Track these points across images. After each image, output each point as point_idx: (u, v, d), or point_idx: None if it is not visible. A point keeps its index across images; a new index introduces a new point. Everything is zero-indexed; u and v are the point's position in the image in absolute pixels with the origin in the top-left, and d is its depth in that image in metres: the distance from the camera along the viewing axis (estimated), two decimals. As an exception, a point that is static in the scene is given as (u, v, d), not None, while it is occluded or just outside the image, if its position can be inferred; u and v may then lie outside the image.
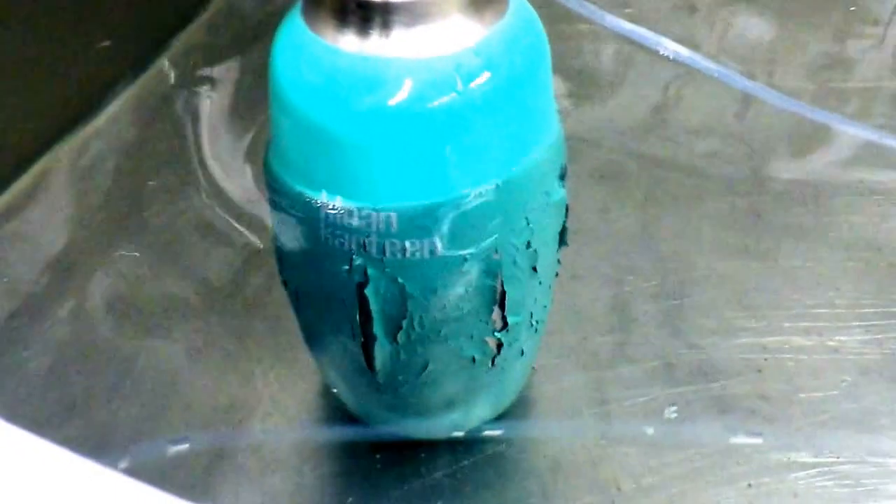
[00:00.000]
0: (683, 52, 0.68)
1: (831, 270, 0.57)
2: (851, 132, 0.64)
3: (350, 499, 0.49)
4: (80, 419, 0.51)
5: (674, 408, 0.51)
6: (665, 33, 0.69)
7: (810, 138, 0.64)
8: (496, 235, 0.43)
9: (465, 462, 0.50)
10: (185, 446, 0.50)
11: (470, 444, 0.50)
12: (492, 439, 0.50)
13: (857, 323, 0.54)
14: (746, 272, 0.57)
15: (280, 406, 0.52)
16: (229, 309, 0.56)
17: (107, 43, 0.66)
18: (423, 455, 0.50)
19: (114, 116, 0.66)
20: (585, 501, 0.48)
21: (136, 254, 0.59)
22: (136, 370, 0.53)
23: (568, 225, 0.46)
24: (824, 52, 0.69)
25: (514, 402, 0.51)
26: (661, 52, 0.68)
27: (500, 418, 0.50)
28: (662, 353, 0.53)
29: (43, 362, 0.54)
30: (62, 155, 0.64)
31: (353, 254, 0.42)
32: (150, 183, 0.62)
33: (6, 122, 0.60)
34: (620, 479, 0.49)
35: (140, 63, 0.68)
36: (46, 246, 0.59)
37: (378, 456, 0.50)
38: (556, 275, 0.47)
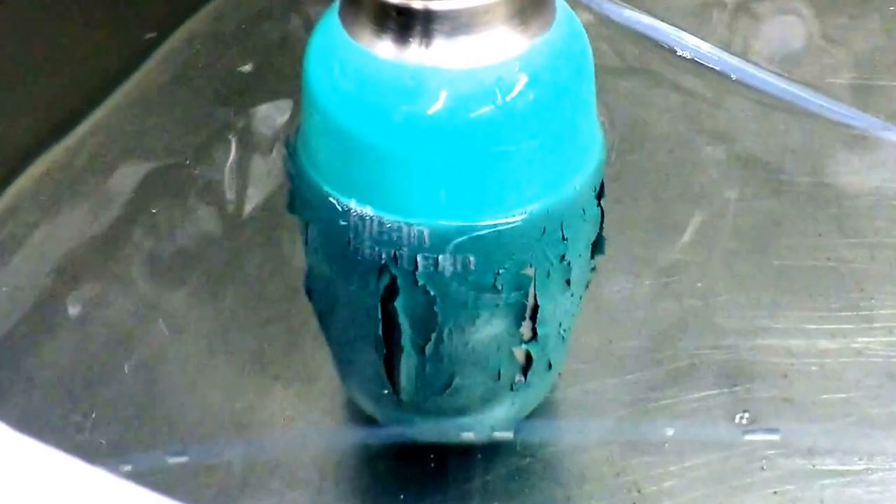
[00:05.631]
0: (704, 49, 0.63)
1: (855, 273, 0.54)
2: (878, 135, 0.60)
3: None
4: (92, 431, 0.49)
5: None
6: (686, 30, 0.65)
7: (835, 140, 0.61)
8: (531, 251, 0.39)
9: (488, 466, 0.47)
10: (202, 457, 0.47)
11: (493, 449, 0.47)
12: (514, 443, 0.48)
13: (882, 325, 0.52)
14: (769, 273, 0.54)
15: (300, 415, 0.49)
16: (248, 318, 0.53)
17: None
18: (445, 462, 0.47)
19: (114, 111, 0.62)
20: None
21: (147, 259, 0.55)
22: (150, 379, 0.51)
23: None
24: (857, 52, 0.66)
25: (539, 404, 0.48)
26: (679, 52, 0.64)
27: (523, 421, 0.48)
28: (687, 355, 0.51)
29: (51, 370, 0.51)
30: (61, 154, 0.60)
31: (383, 264, 0.39)
32: (158, 181, 0.59)
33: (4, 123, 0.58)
34: (642, 482, 0.46)
35: (140, 55, 0.65)
36: (51, 250, 0.56)
37: (399, 464, 0.47)
38: (588, 285, 0.44)
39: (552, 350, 0.43)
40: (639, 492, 0.46)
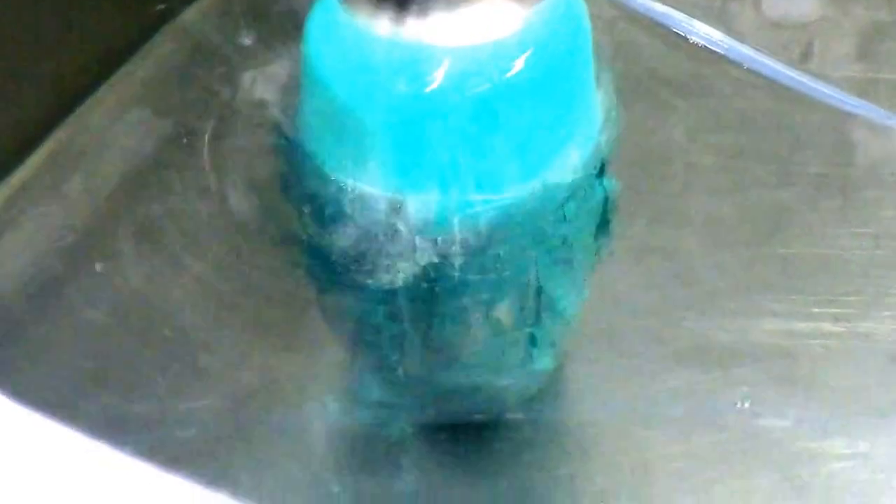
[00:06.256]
0: (715, 37, 0.63)
1: (859, 259, 0.53)
2: (886, 125, 0.59)
3: (374, 484, 0.46)
4: (96, 405, 0.48)
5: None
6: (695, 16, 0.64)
7: (843, 131, 0.59)
8: (532, 231, 0.39)
9: (494, 446, 0.47)
10: (204, 431, 0.47)
11: (499, 428, 0.47)
12: (521, 422, 0.47)
13: (888, 311, 0.51)
14: (774, 259, 0.53)
15: (309, 391, 0.48)
16: (252, 295, 0.52)
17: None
18: (451, 440, 0.47)
19: (117, 94, 0.61)
20: (615, 486, 0.46)
21: (157, 234, 0.54)
22: (158, 353, 0.50)
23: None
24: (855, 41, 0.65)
25: (544, 385, 0.48)
26: (691, 40, 0.63)
27: (529, 401, 0.47)
28: (692, 336, 0.50)
29: (57, 349, 0.50)
30: (65, 135, 0.59)
31: (382, 243, 0.39)
32: (163, 162, 0.58)
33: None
34: (650, 465, 0.46)
35: (144, 35, 0.63)
36: (56, 231, 0.55)
37: (404, 444, 0.47)
38: (594, 269, 0.44)
39: (557, 332, 0.44)
40: (648, 474, 0.45)
